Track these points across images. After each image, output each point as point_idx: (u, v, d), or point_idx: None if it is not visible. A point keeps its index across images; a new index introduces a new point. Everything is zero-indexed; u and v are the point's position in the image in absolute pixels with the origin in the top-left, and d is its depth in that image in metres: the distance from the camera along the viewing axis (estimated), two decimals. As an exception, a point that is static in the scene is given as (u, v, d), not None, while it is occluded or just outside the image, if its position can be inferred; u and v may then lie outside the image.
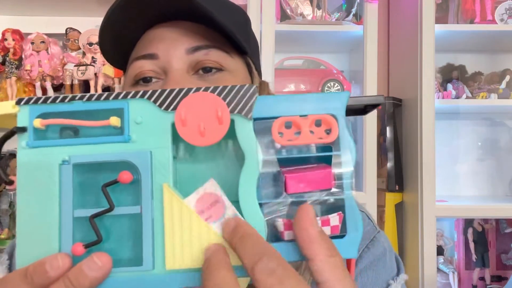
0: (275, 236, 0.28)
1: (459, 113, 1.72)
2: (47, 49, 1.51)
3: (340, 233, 0.28)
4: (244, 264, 0.24)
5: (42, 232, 0.28)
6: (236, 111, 0.28)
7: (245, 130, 0.28)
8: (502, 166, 1.75)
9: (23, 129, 0.29)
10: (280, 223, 0.28)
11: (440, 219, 1.57)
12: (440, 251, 1.62)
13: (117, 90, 1.49)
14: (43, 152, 0.29)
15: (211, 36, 0.51)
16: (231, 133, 0.28)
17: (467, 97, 1.60)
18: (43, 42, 1.50)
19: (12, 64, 1.53)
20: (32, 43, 1.49)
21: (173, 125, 0.28)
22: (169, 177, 0.28)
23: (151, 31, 0.52)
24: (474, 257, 1.63)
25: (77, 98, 0.29)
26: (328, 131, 0.28)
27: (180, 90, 0.29)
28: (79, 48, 1.54)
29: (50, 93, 1.52)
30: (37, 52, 1.50)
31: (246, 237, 0.25)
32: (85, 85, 1.56)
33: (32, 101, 0.29)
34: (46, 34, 1.52)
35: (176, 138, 0.29)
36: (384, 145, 1.60)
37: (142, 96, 0.29)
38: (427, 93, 1.42)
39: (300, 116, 0.28)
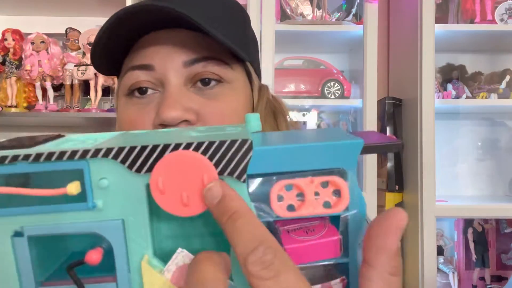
0: None
1: (459, 113, 1.72)
2: (47, 49, 1.51)
3: None
4: (235, 251, 0.21)
5: None
6: (226, 173, 0.23)
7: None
8: (502, 166, 1.75)
9: None
10: None
11: (440, 219, 1.57)
12: (440, 251, 1.62)
13: (116, 90, 1.50)
14: None
15: (208, 46, 0.49)
16: None
17: (467, 97, 1.60)
18: (43, 42, 1.50)
19: (12, 64, 1.53)
20: (32, 43, 1.49)
21: (147, 186, 0.23)
22: (148, 247, 0.24)
23: (146, 39, 0.50)
24: (474, 257, 1.63)
25: (20, 158, 0.23)
26: (337, 193, 0.24)
27: (154, 148, 0.23)
28: (79, 48, 1.54)
29: (50, 93, 1.52)
30: (37, 52, 1.50)
31: (239, 217, 0.22)
32: (85, 85, 1.56)
33: None
34: (46, 34, 1.52)
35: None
36: (384, 145, 1.59)
37: (106, 155, 0.23)
38: (427, 93, 1.42)
39: (303, 175, 0.23)
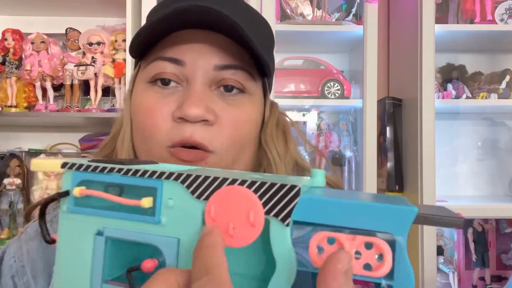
0: None
1: (459, 113, 1.72)
2: (47, 49, 1.51)
3: None
4: (191, 275, 0.23)
5: None
6: (272, 214, 0.25)
7: (279, 237, 0.25)
8: (502, 166, 1.75)
9: (66, 193, 0.29)
10: None
11: (440, 219, 1.57)
12: (440, 251, 1.62)
13: (117, 91, 1.49)
14: (81, 218, 0.29)
15: (240, 55, 0.50)
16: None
17: (467, 97, 1.60)
18: (43, 42, 1.50)
19: (12, 64, 1.53)
20: (32, 43, 1.50)
21: (203, 213, 0.26)
22: None
23: (180, 34, 0.50)
24: (474, 257, 1.63)
25: (115, 170, 0.29)
26: (380, 257, 0.23)
27: (215, 179, 0.26)
28: (79, 48, 1.54)
29: (50, 93, 1.52)
30: (37, 52, 1.50)
31: (205, 247, 0.23)
32: (85, 85, 1.56)
33: (75, 167, 0.29)
34: (46, 34, 1.52)
35: None
36: (384, 145, 1.60)
37: (176, 179, 0.27)
38: (427, 93, 1.42)
39: (347, 231, 0.24)
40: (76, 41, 1.54)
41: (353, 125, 1.63)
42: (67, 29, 1.55)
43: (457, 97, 1.58)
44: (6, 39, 1.52)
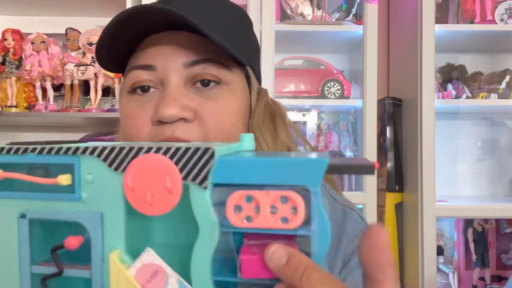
0: None
1: (459, 113, 1.72)
2: (47, 49, 1.51)
3: None
4: None
5: (4, 284, 0.28)
6: (189, 179, 0.25)
7: (199, 200, 0.25)
8: (502, 166, 1.75)
9: None
10: None
11: (440, 219, 1.57)
12: (440, 251, 1.62)
13: (117, 91, 1.49)
14: (3, 202, 0.29)
15: (209, 48, 0.50)
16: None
17: (467, 97, 1.60)
18: (43, 42, 1.50)
19: (12, 64, 1.53)
20: (32, 43, 1.49)
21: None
22: (121, 241, 0.27)
23: (150, 40, 0.52)
24: (474, 257, 1.63)
25: (29, 150, 0.28)
26: (294, 210, 0.24)
27: (130, 150, 0.26)
28: (79, 48, 1.54)
29: (50, 93, 1.52)
30: (37, 52, 1.50)
31: (312, 270, 0.23)
32: (85, 85, 1.56)
33: None
34: (46, 34, 1.52)
35: None
36: (384, 145, 1.60)
37: (92, 153, 0.27)
38: (427, 93, 1.42)
39: (263, 188, 0.25)
40: (76, 41, 1.54)
41: (353, 125, 1.63)
42: (67, 29, 1.55)
43: (457, 97, 1.58)
44: (6, 39, 1.52)
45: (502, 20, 1.55)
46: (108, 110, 1.49)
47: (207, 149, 0.25)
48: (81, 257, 0.27)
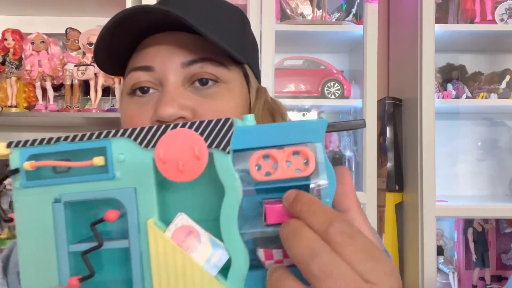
0: (256, 265, 0.29)
1: (459, 113, 1.72)
2: (47, 49, 1.51)
3: None
4: (315, 228, 0.26)
5: (42, 267, 0.30)
6: (214, 146, 0.28)
7: (223, 164, 0.28)
8: (502, 166, 1.75)
9: (16, 171, 0.30)
10: (261, 254, 0.29)
11: (440, 219, 1.57)
12: (440, 251, 1.62)
13: (117, 91, 1.49)
14: (36, 191, 0.30)
15: (206, 47, 0.51)
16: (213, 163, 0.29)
17: (467, 97, 1.60)
18: (43, 42, 1.50)
19: (12, 64, 1.53)
20: (32, 43, 1.49)
21: (154, 160, 0.29)
22: (154, 212, 0.29)
23: (148, 41, 0.52)
24: (474, 257, 1.63)
25: (62, 139, 0.30)
26: (306, 162, 0.28)
27: (158, 128, 0.29)
28: (79, 48, 1.54)
29: (50, 93, 1.52)
30: (37, 52, 1.50)
31: (312, 204, 0.27)
32: (85, 85, 1.56)
33: (21, 144, 0.31)
34: (46, 34, 1.52)
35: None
36: (384, 145, 1.60)
37: (123, 134, 0.30)
38: (427, 93, 1.42)
39: (278, 147, 0.28)
40: (76, 41, 1.54)
41: (353, 125, 1.62)
42: (67, 29, 1.55)
43: (457, 97, 1.58)
44: (6, 39, 1.52)
45: (502, 20, 1.55)
46: (108, 110, 1.49)
47: (227, 120, 0.29)
48: (118, 233, 0.31)
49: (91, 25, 1.54)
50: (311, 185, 0.29)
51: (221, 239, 0.29)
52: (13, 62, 1.53)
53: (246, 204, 0.29)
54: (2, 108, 1.50)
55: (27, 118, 1.57)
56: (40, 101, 1.52)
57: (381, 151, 1.60)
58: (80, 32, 1.53)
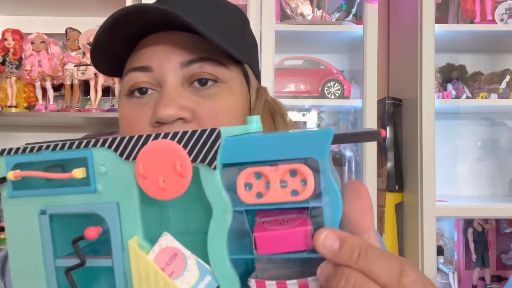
0: None
1: (459, 113, 1.72)
2: (47, 49, 1.51)
3: None
4: (383, 282, 0.23)
5: (32, 278, 0.29)
6: (198, 160, 0.25)
7: (210, 181, 0.25)
8: (502, 166, 1.75)
9: (3, 179, 0.30)
10: (253, 284, 0.26)
11: (440, 219, 1.57)
12: (440, 251, 1.62)
13: (117, 91, 1.49)
14: (22, 201, 0.29)
15: (205, 47, 0.50)
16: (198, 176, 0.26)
17: (467, 97, 1.60)
18: (43, 42, 1.50)
19: (12, 64, 1.53)
20: (32, 43, 1.49)
21: None
22: (137, 228, 0.27)
23: (146, 41, 0.51)
24: (474, 257, 1.63)
25: (43, 148, 0.29)
26: (304, 182, 0.24)
27: (139, 138, 0.27)
28: (79, 48, 1.54)
29: (50, 93, 1.52)
30: (37, 52, 1.50)
31: (369, 252, 0.23)
32: (85, 85, 1.56)
33: (5, 152, 0.30)
34: (46, 34, 1.52)
35: None
36: (384, 145, 1.60)
37: (103, 145, 0.28)
38: (427, 93, 1.42)
39: (272, 163, 0.25)
40: (76, 41, 1.54)
41: (353, 125, 1.63)
42: (67, 29, 1.55)
43: (457, 97, 1.58)
44: (6, 39, 1.52)
45: (502, 20, 1.55)
46: (108, 110, 1.49)
47: (213, 130, 0.25)
48: (102, 251, 0.29)
49: (91, 25, 1.54)
50: (311, 210, 0.25)
51: (207, 260, 0.26)
52: (13, 62, 1.53)
53: (236, 225, 0.26)
54: (2, 108, 1.50)
55: (27, 118, 1.57)
56: (40, 101, 1.52)
57: (381, 151, 1.60)
58: (80, 32, 1.53)
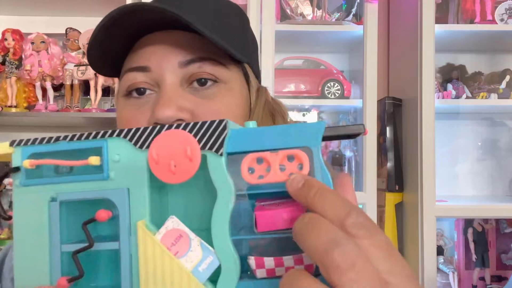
0: (246, 273, 0.28)
1: (459, 113, 1.72)
2: (47, 49, 1.51)
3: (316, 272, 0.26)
4: (330, 219, 0.24)
5: (35, 265, 0.30)
6: (207, 148, 0.28)
7: (216, 166, 0.28)
8: (502, 166, 1.75)
9: (17, 169, 0.31)
10: (252, 261, 0.27)
11: (440, 219, 1.57)
12: (440, 251, 1.62)
13: (116, 91, 1.50)
14: (34, 190, 0.31)
15: (205, 46, 0.49)
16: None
17: (467, 97, 1.60)
18: (43, 42, 1.50)
19: (12, 64, 1.53)
20: (32, 43, 1.49)
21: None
22: (145, 213, 0.29)
23: (144, 41, 0.50)
24: (474, 257, 1.63)
25: (61, 138, 0.31)
26: (301, 167, 0.27)
27: (153, 128, 0.29)
28: (79, 48, 1.54)
29: (50, 93, 1.52)
30: (37, 52, 1.50)
31: (325, 192, 0.25)
32: (85, 85, 1.56)
33: (23, 142, 0.31)
34: (46, 34, 1.52)
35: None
36: (384, 145, 1.60)
37: (119, 135, 0.30)
38: (427, 93, 1.42)
39: (272, 151, 0.27)
40: (76, 41, 1.54)
41: (352, 124, 1.62)
42: (67, 29, 1.55)
43: (457, 97, 1.58)
44: (6, 39, 1.52)
45: (502, 20, 1.55)
46: (108, 110, 1.49)
47: (221, 121, 0.28)
48: (110, 235, 0.30)
49: (91, 25, 1.52)
50: None
51: (210, 243, 0.28)
52: (13, 62, 1.53)
53: (238, 209, 0.28)
54: (2, 108, 1.50)
55: (27, 118, 1.57)
56: (40, 101, 1.52)
57: (381, 151, 1.60)
58: (80, 32, 1.53)
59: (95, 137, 0.30)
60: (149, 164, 0.28)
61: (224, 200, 0.27)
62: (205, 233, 0.28)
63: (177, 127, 0.28)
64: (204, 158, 0.28)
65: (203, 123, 0.28)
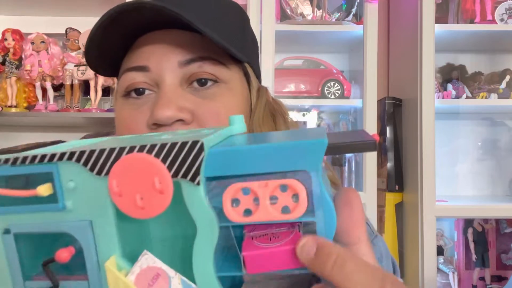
0: None
1: (459, 113, 1.72)
2: (47, 49, 1.51)
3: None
4: None
5: None
6: (180, 176, 0.23)
7: (193, 198, 0.23)
8: (502, 166, 1.75)
9: None
10: None
11: (440, 219, 1.57)
12: (440, 251, 1.62)
13: (115, 91, 1.50)
14: None
15: (205, 46, 0.48)
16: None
17: (467, 97, 1.60)
18: (43, 42, 1.50)
19: (12, 64, 1.53)
20: (32, 43, 1.49)
21: None
22: (115, 248, 0.25)
23: (143, 40, 0.49)
24: (474, 257, 1.63)
25: (2, 161, 0.25)
26: (296, 198, 0.22)
27: (111, 151, 0.24)
28: (79, 48, 1.54)
29: (50, 93, 1.52)
30: (37, 52, 1.50)
31: (346, 262, 0.22)
32: (85, 85, 1.56)
33: None
34: (46, 34, 1.52)
35: None
36: (384, 145, 1.60)
37: (70, 158, 0.24)
38: (427, 93, 1.42)
39: (261, 176, 0.23)
40: (76, 41, 1.54)
41: (353, 125, 1.63)
42: (67, 29, 1.55)
43: (457, 97, 1.58)
44: (6, 39, 1.52)
45: (502, 20, 1.55)
46: (108, 110, 1.49)
47: (195, 143, 0.23)
48: (78, 265, 0.26)
49: (91, 25, 1.52)
50: (304, 223, 0.24)
51: (192, 270, 0.24)
52: (13, 62, 1.53)
53: (223, 241, 0.24)
54: (2, 108, 1.50)
55: (27, 118, 1.57)
56: (40, 101, 1.52)
57: (381, 151, 1.60)
58: (80, 32, 1.53)
59: (41, 160, 0.24)
60: (110, 195, 0.23)
61: (205, 237, 0.23)
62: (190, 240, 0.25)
63: (141, 149, 0.23)
64: (177, 185, 0.23)
65: (173, 145, 0.23)
